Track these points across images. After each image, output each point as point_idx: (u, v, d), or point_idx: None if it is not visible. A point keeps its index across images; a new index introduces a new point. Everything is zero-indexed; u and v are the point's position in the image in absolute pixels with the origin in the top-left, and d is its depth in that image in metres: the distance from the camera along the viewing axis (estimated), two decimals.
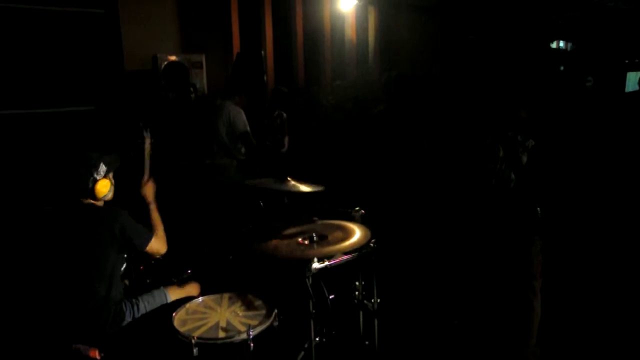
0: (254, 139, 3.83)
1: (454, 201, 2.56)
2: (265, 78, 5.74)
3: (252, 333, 1.89)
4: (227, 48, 6.00)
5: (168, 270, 2.53)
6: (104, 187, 2.10)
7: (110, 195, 2.17)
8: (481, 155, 2.34)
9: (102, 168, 2.11)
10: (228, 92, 3.95)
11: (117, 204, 2.23)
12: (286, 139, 4.77)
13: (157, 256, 2.25)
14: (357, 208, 2.55)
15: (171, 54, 5.35)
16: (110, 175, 2.18)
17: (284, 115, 4.77)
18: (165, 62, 5.18)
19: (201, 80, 5.56)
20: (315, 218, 2.52)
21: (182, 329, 1.97)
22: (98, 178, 2.08)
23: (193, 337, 1.89)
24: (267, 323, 2.00)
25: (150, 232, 2.20)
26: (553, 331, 2.71)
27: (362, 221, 2.48)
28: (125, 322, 2.12)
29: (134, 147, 4.42)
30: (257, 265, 2.68)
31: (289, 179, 2.60)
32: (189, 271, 2.53)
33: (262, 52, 5.81)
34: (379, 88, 5.37)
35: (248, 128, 3.78)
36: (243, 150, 3.88)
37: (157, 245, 2.21)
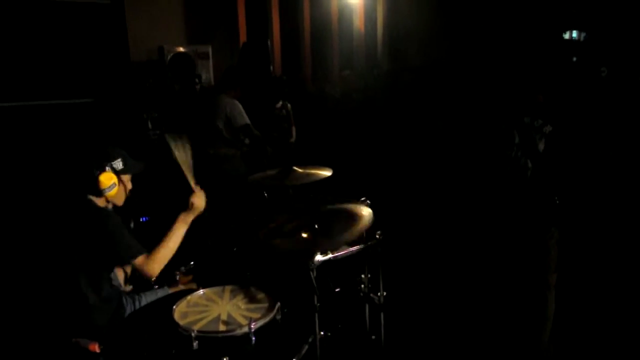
0: (258, 130, 3.74)
1: (467, 190, 2.48)
2: (271, 68, 5.67)
3: (253, 326, 1.84)
4: (234, 39, 5.94)
5: (172, 267, 2.48)
6: (107, 180, 1.99)
7: (114, 193, 2.05)
8: (496, 142, 2.24)
9: (118, 164, 2.02)
10: (223, 85, 3.86)
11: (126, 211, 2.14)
12: (293, 129, 4.71)
13: (145, 275, 2.05)
14: (363, 198, 2.48)
15: (177, 45, 5.31)
16: (127, 177, 2.09)
17: (289, 105, 4.70)
18: (172, 53, 5.14)
19: (207, 71, 5.51)
20: (321, 208, 2.45)
21: (182, 322, 1.93)
22: (107, 169, 1.99)
23: (193, 330, 1.83)
24: (270, 316, 1.94)
25: (142, 248, 2.03)
26: (567, 327, 2.62)
27: None
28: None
29: (143, 140, 4.35)
30: (261, 258, 2.63)
31: (295, 168, 2.54)
32: (192, 263, 2.49)
33: (269, 42, 5.73)
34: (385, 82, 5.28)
35: (247, 120, 3.69)
36: (247, 141, 3.81)
37: (148, 265, 2.01)
